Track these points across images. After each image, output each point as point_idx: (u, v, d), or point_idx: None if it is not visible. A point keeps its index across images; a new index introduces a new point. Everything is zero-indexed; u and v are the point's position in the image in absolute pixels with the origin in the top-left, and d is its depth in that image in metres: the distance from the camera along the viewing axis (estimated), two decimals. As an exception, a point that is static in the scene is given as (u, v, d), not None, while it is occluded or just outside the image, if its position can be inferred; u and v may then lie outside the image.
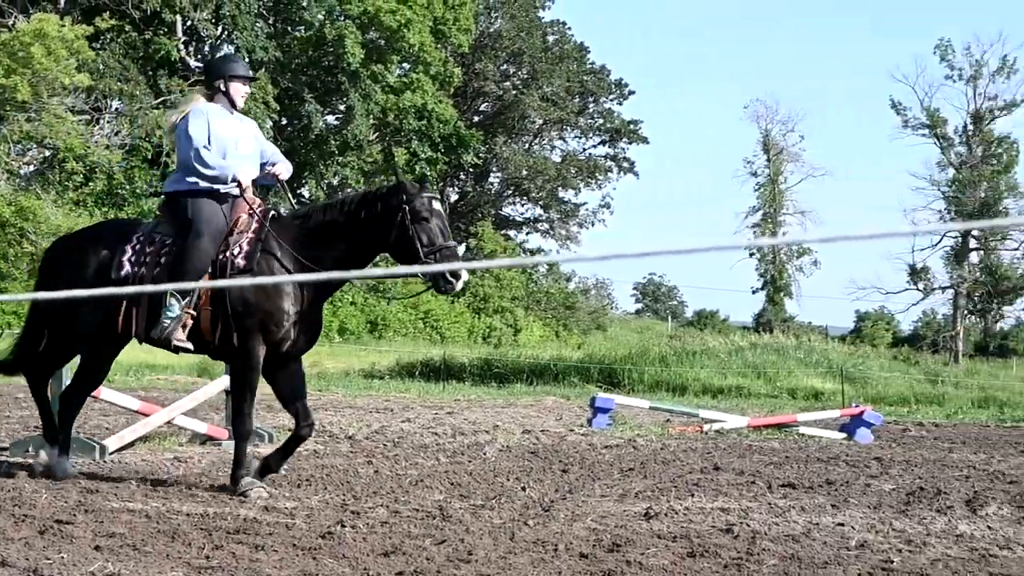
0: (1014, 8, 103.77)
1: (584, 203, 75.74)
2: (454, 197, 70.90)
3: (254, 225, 9.88)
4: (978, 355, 67.35)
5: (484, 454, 13.76)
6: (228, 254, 9.75)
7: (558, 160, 71.53)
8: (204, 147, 9.85)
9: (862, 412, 20.12)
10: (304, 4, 54.54)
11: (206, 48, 54.52)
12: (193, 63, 52.43)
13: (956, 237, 72.58)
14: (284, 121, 55.10)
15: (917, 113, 73.94)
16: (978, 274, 72.39)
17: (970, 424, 27.66)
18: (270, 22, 55.70)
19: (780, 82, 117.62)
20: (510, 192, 72.39)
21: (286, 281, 9.55)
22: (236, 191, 9.94)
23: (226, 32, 51.96)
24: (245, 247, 9.76)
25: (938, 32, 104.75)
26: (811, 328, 73.10)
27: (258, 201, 10.14)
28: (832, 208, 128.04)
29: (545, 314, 64.02)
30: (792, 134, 77.59)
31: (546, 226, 74.45)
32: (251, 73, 10.60)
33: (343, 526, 8.16)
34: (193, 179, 9.87)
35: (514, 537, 7.95)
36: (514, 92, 68.56)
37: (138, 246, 9.91)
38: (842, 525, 8.99)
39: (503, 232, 69.53)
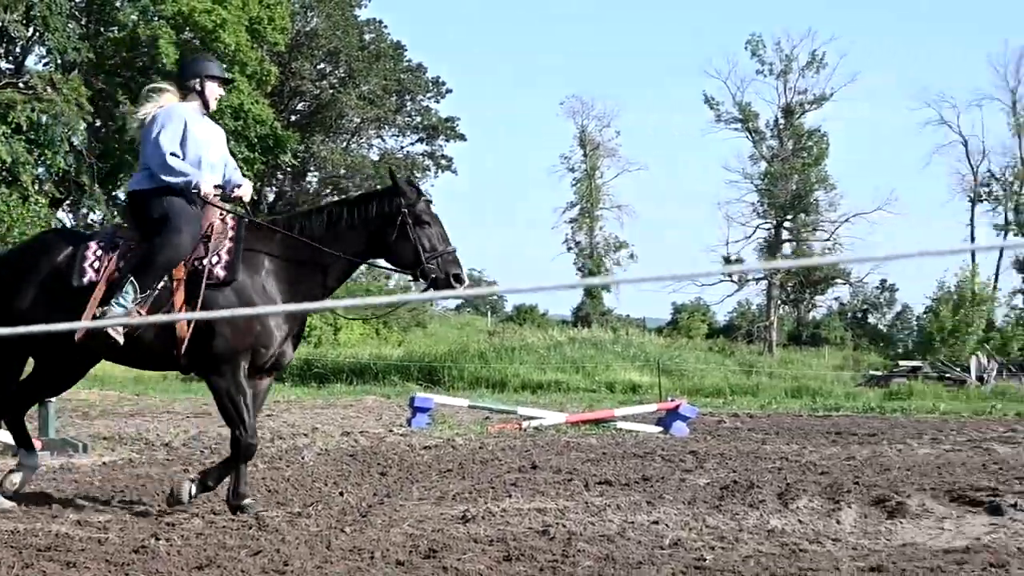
0: (822, 4, 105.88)
1: (403, 199, 75.68)
2: (271, 196, 70.26)
3: (230, 232, 9.47)
4: (791, 344, 68.60)
5: (302, 458, 13.66)
6: (205, 262, 9.29)
7: (376, 158, 71.22)
8: (172, 154, 9.40)
9: (677, 406, 20.41)
10: (117, 5, 53.61)
11: (17, 50, 53.26)
12: (4, 65, 51.26)
13: (769, 229, 74.02)
14: (99, 123, 54.06)
15: (729, 107, 75.15)
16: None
17: (784, 414, 28.23)
18: (83, 23, 54.63)
19: (596, 78, 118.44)
20: (328, 190, 71.82)
21: (278, 312, 9.16)
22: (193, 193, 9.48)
23: (37, 33, 50.80)
24: (224, 256, 9.32)
25: (749, 27, 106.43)
26: (629, 321, 73.78)
27: (227, 206, 9.77)
28: (648, 202, 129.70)
29: (365, 312, 63.48)
30: (608, 129, 78.14)
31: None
32: (227, 75, 10.17)
33: (157, 539, 8.01)
34: (162, 179, 9.42)
35: (330, 545, 7.87)
36: (331, 91, 68.05)
37: (99, 251, 9.40)
38: (657, 523, 9.05)
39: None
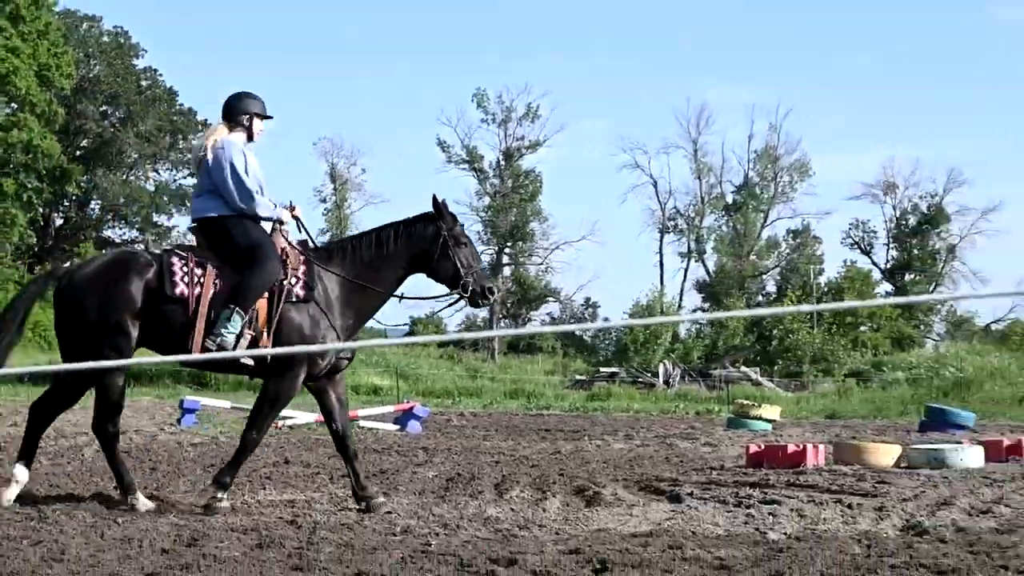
0: (537, 62, 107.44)
1: (176, 226, 74.28)
2: (59, 222, 68.39)
3: (301, 256, 9.32)
4: (511, 352, 69.26)
5: (82, 455, 13.24)
6: (286, 283, 9.11)
7: (152, 189, 69.85)
8: (259, 190, 9.25)
9: (412, 407, 20.45)
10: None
11: None
12: None
13: (492, 254, 74.93)
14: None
15: (459, 151, 76.16)
16: (511, 284, 74.64)
17: (503, 413, 28.46)
18: None
19: (345, 122, 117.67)
20: (109, 217, 70.15)
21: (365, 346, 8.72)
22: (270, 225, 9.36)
23: None
24: (301, 277, 9.19)
25: (475, 82, 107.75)
26: (371, 331, 73.61)
27: (289, 232, 9.53)
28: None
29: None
30: (355, 167, 78.18)
31: (142, 246, 72.75)
32: (269, 113, 9.78)
33: (-60, 532, 7.65)
34: (237, 207, 9.18)
35: (104, 535, 7.63)
36: (112, 129, 66.75)
37: (185, 267, 8.99)
38: (390, 512, 9.04)
39: (103, 251, 67.34)
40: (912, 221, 79.14)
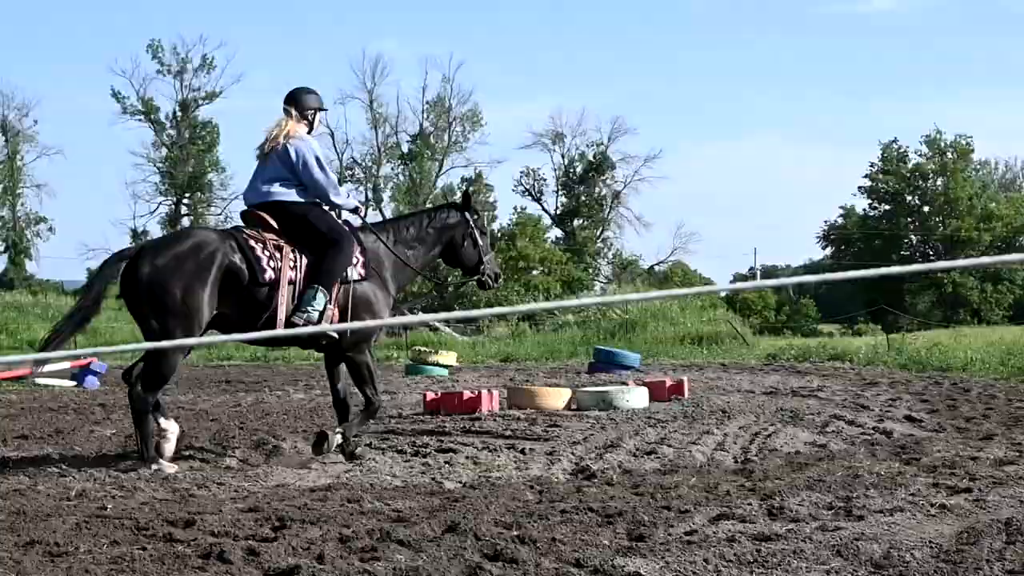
0: (213, 14, 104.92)
1: None
2: None
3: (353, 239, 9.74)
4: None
5: None
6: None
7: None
8: (329, 171, 9.80)
9: (89, 363, 19.71)
10: None
11: None
12: None
13: (171, 205, 73.20)
14: None
15: (134, 102, 74.11)
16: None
17: (182, 364, 27.72)
18: None
19: (13, 70, 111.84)
20: None
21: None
22: (352, 214, 10.02)
23: None
24: (361, 257, 9.72)
25: (152, 32, 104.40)
26: (49, 285, 70.78)
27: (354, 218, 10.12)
28: (65, 182, 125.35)
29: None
30: (27, 118, 75.00)
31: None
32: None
33: None
34: (325, 198, 9.67)
35: None
36: None
37: (266, 250, 9.26)
38: (64, 475, 8.62)
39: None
40: (579, 169, 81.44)
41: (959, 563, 5.30)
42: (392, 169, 78.86)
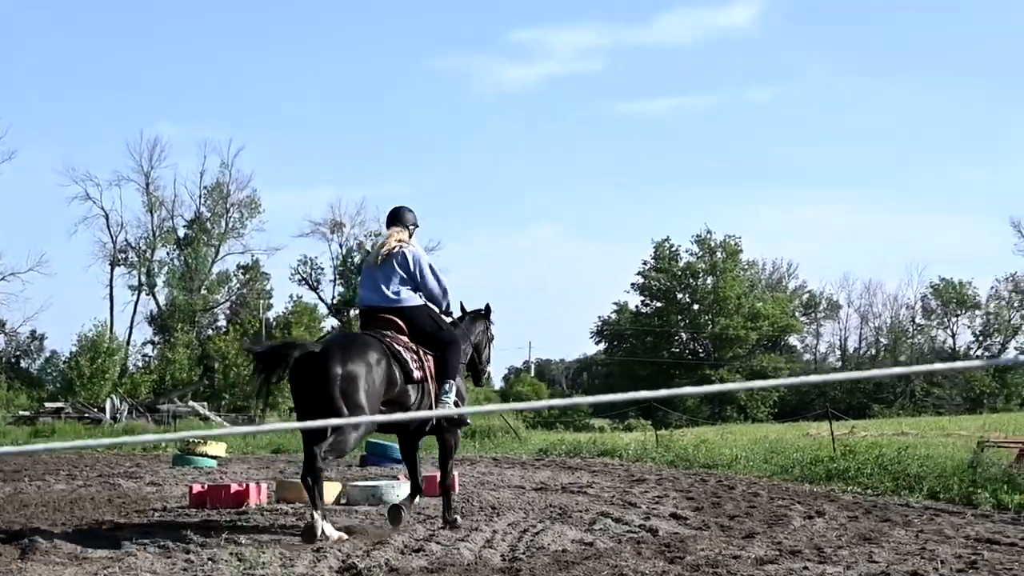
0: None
1: None
2: None
3: None
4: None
5: None
6: None
7: None
8: (442, 277, 11.24)
9: None
10: None
11: None
12: None
13: None
14: None
15: None
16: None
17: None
18: None
19: None
20: None
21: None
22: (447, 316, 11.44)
23: None
24: None
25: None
26: None
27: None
28: None
29: None
30: None
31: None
32: None
33: None
34: (437, 301, 11.19)
35: None
36: None
37: (410, 354, 10.56)
38: None
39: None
40: (357, 258, 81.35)
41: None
42: (167, 254, 77.46)
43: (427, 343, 10.73)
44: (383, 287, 10.77)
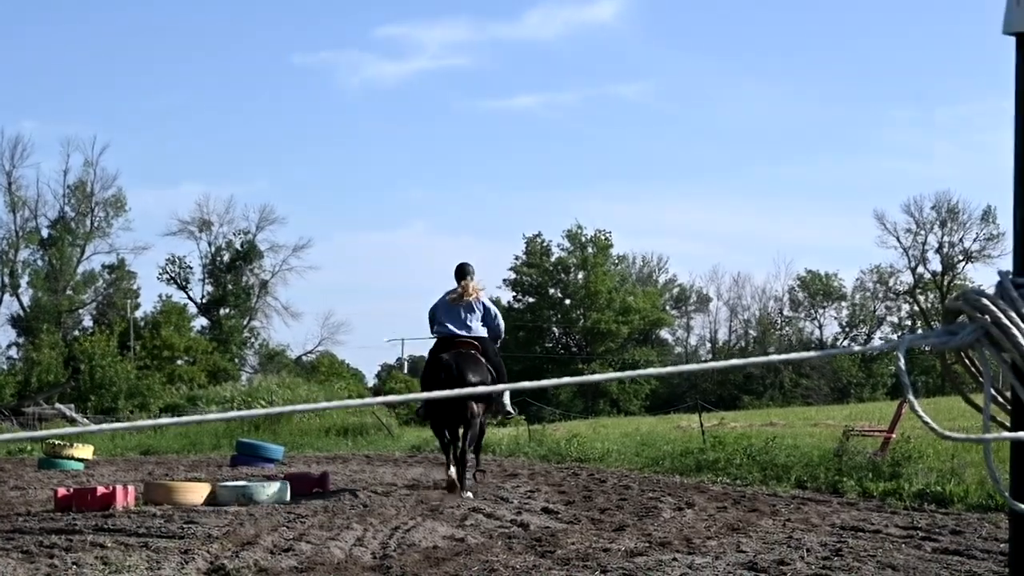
0: None
1: None
2: None
3: None
4: None
5: None
6: None
7: None
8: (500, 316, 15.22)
9: None
10: None
11: None
12: None
13: None
14: None
15: None
16: None
17: None
18: None
19: None
20: None
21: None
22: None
23: None
24: None
25: None
26: None
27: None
28: None
29: None
30: None
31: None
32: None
33: None
34: (500, 337, 15.13)
35: None
36: None
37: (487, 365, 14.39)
38: None
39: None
40: (227, 257, 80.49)
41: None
42: (31, 255, 75.81)
43: (489, 361, 14.37)
44: (466, 321, 14.46)
